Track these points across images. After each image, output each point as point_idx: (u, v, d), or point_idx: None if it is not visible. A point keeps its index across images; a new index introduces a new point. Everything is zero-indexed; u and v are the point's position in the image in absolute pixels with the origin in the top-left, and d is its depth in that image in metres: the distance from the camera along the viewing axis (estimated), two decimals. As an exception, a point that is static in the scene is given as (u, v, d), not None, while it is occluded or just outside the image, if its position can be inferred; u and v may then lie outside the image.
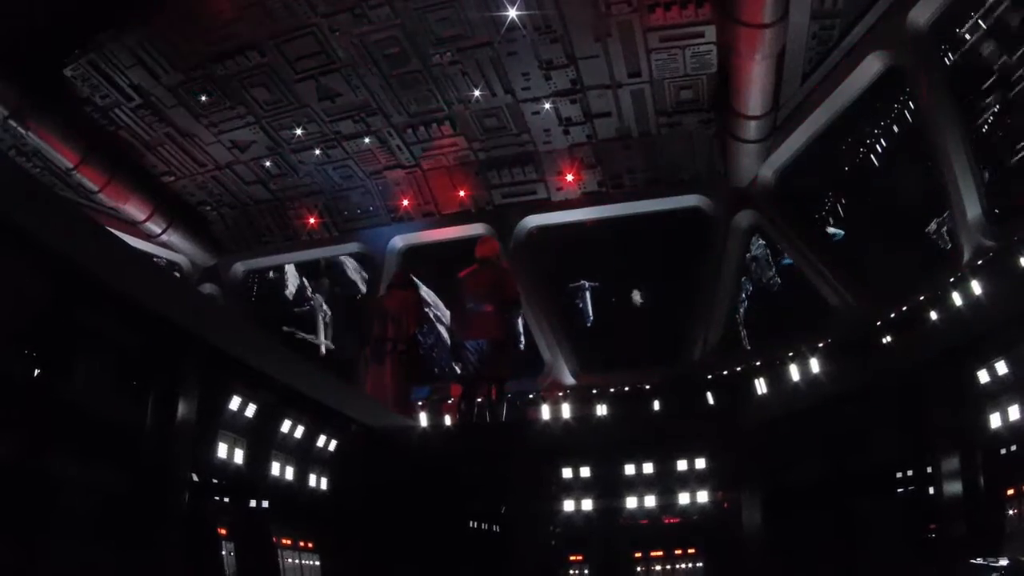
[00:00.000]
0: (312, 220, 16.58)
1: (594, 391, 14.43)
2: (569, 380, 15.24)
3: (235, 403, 8.20)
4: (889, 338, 11.15)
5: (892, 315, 11.40)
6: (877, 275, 14.44)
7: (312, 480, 9.64)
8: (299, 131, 14.46)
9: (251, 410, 8.38)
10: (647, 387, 14.18)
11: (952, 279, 10.29)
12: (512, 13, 11.58)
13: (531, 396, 14.67)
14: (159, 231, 16.27)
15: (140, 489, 6.67)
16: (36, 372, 5.84)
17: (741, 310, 30.83)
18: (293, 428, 9.21)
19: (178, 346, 7.11)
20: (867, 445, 9.80)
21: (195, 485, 7.58)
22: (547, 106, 13.62)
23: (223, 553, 7.80)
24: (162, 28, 12.38)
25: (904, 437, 9.28)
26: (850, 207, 30.86)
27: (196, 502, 7.56)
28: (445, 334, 32.12)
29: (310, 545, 9.27)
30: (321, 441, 9.78)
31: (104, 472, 6.48)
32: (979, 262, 10.28)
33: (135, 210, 15.73)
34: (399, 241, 16.56)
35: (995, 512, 8.12)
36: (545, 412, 13.45)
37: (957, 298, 9.86)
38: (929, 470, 8.96)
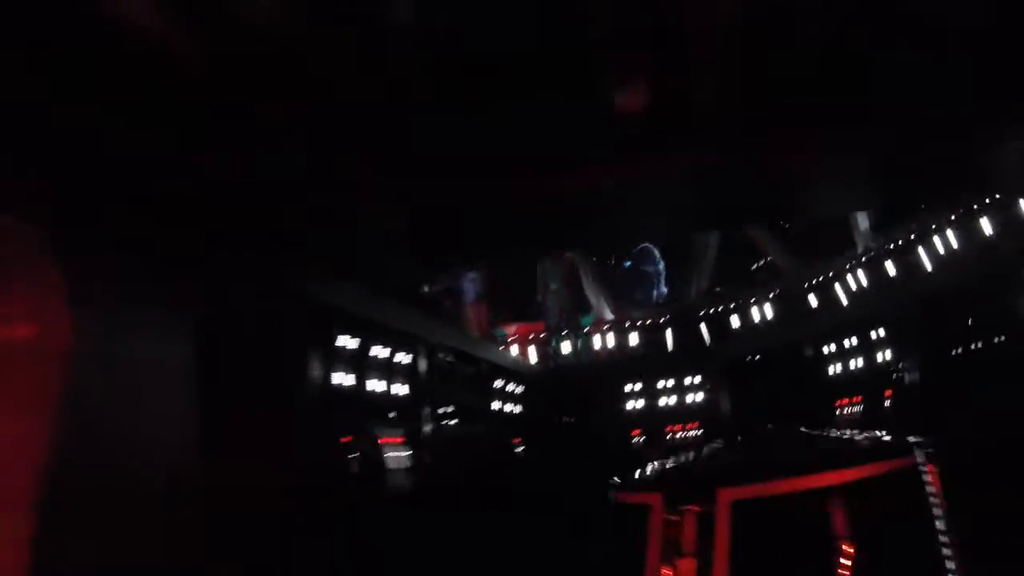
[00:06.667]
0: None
1: (627, 324, 21.32)
2: (609, 316, 22.16)
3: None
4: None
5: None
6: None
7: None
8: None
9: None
10: (661, 320, 21.13)
11: None
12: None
13: (586, 330, 21.77)
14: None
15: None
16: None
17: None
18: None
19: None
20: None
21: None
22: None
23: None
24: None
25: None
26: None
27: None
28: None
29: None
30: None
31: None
32: None
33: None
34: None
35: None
36: (597, 342, 21.11)
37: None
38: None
